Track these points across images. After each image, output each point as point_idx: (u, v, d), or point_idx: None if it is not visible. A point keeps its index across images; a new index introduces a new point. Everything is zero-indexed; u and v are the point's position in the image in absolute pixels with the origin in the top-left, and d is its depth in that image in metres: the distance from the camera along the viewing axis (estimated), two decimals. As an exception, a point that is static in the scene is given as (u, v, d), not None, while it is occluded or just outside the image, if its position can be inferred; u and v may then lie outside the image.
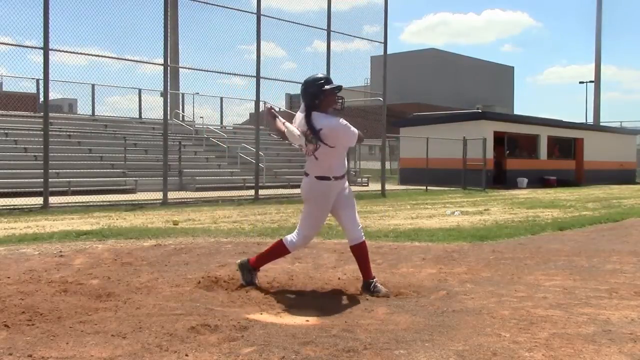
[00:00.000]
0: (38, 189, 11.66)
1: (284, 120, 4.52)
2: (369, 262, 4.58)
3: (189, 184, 17.09)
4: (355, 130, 4.39)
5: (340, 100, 4.46)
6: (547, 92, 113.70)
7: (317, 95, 4.33)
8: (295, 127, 4.40)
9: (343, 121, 4.35)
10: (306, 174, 4.46)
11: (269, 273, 4.92)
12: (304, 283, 4.81)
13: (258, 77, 14.91)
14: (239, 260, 4.70)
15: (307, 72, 20.89)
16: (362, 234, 4.55)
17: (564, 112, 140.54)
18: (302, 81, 4.46)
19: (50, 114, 13.05)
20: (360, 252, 4.52)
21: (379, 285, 4.49)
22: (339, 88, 4.43)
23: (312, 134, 4.28)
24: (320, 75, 4.46)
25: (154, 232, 7.95)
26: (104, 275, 4.96)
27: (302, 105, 4.45)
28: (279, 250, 4.60)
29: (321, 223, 4.61)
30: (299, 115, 4.46)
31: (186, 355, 2.98)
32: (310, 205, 4.48)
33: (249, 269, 4.58)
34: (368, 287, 4.47)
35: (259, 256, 4.66)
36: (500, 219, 10.77)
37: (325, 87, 4.35)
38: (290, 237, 4.56)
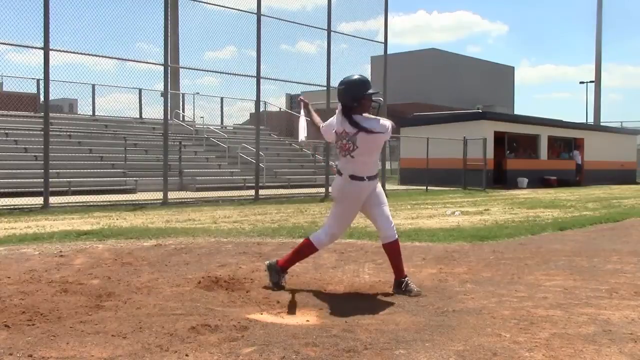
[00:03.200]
0: (38, 189, 11.66)
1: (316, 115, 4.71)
2: (402, 260, 4.56)
3: (189, 184, 17.09)
4: (390, 128, 4.36)
5: (376, 105, 4.44)
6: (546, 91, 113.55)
7: (357, 98, 4.33)
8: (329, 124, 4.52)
9: (385, 124, 4.33)
10: (339, 173, 4.44)
11: (269, 273, 4.92)
12: (304, 283, 4.82)
13: (258, 77, 14.91)
14: (268, 262, 4.69)
15: (308, 72, 20.87)
16: (395, 232, 4.53)
17: (564, 112, 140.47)
18: (340, 81, 4.47)
19: (51, 114, 13.04)
20: (392, 250, 4.52)
21: (411, 284, 4.46)
22: (378, 94, 4.44)
23: (358, 132, 4.26)
24: (362, 78, 4.42)
25: (154, 232, 7.95)
26: (104, 275, 4.96)
27: (340, 106, 4.44)
28: (307, 249, 4.59)
29: (350, 222, 4.64)
30: (338, 115, 4.47)
31: (186, 355, 2.99)
32: (341, 205, 4.47)
33: (277, 270, 4.57)
34: (399, 285, 4.46)
35: (288, 257, 4.65)
36: (500, 219, 10.76)
37: (368, 91, 4.35)
38: (318, 236, 4.53)
